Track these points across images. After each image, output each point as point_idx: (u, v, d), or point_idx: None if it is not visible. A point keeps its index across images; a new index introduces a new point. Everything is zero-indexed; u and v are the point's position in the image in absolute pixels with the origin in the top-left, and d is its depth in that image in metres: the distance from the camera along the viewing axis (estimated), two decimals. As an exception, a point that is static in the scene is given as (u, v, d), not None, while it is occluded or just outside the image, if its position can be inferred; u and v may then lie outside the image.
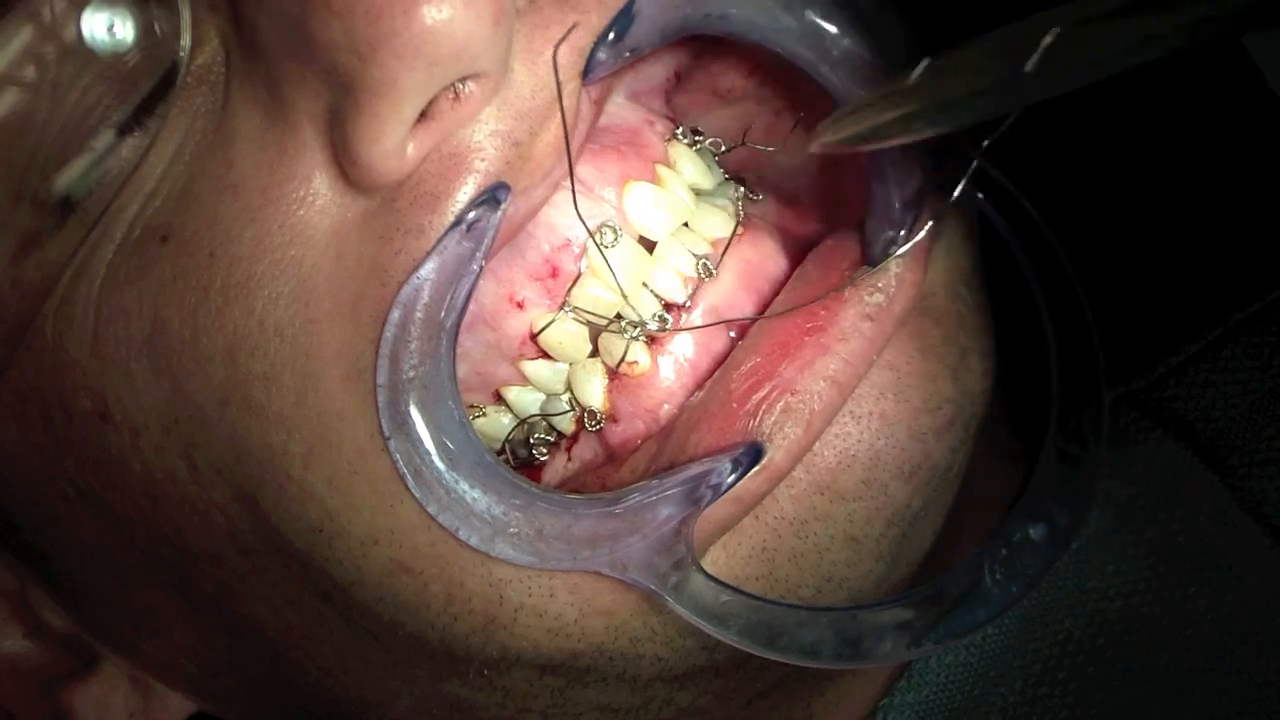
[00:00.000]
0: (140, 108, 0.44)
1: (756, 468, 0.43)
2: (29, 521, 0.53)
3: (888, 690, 0.54)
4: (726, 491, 0.42)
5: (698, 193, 0.51)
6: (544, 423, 0.50)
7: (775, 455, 0.43)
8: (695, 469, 0.42)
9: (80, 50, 0.44)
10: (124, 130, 0.44)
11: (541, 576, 0.43)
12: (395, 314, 0.41)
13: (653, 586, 0.42)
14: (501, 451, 0.50)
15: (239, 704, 0.57)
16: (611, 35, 0.43)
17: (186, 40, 0.43)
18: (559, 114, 0.43)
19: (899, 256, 0.45)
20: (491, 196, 0.41)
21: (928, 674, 0.54)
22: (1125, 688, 0.52)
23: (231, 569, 0.47)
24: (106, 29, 0.45)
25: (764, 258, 0.50)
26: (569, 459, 0.50)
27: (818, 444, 0.44)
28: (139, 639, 0.56)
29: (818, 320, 0.44)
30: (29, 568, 0.57)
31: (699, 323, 0.49)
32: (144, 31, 0.44)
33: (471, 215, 0.41)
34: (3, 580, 0.57)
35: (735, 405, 0.43)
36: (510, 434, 0.50)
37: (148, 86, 0.44)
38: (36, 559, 0.55)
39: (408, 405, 0.41)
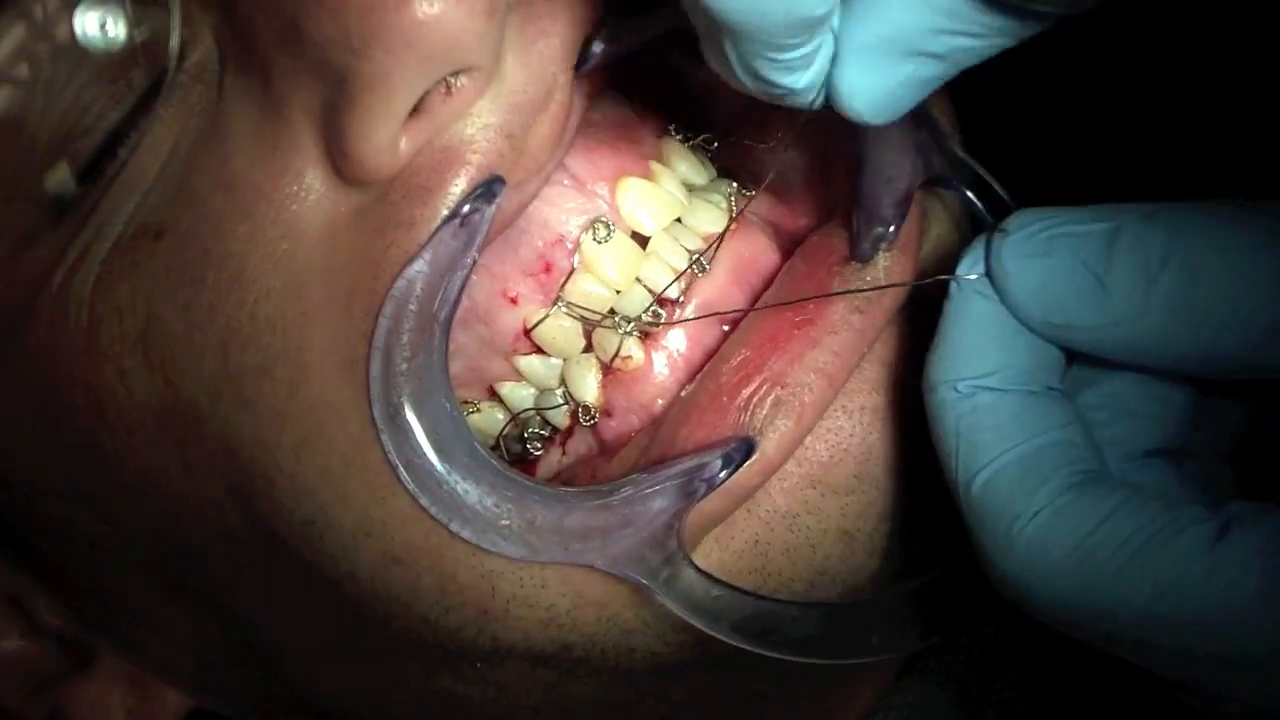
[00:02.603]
0: (134, 106, 0.44)
1: (749, 462, 0.43)
2: (25, 518, 0.53)
3: (884, 691, 0.55)
4: (720, 485, 0.42)
5: (690, 188, 0.51)
6: (538, 418, 0.50)
7: (767, 448, 0.43)
8: (687, 463, 0.42)
9: (73, 49, 0.44)
10: (118, 129, 0.44)
11: (534, 569, 0.43)
12: (388, 307, 0.41)
13: (643, 581, 0.42)
14: (495, 447, 0.50)
15: (236, 699, 0.57)
16: (603, 29, 0.43)
17: (177, 40, 0.44)
18: (552, 107, 0.43)
19: (887, 250, 0.45)
20: (486, 189, 0.41)
21: (928, 673, 0.54)
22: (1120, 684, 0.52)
23: (225, 564, 0.47)
24: (99, 27, 0.45)
25: (756, 253, 0.50)
26: (563, 453, 0.50)
27: (809, 438, 0.44)
28: (136, 635, 0.56)
29: (806, 314, 0.44)
30: (25, 566, 0.57)
31: (691, 318, 0.49)
32: (136, 30, 0.44)
33: (465, 208, 0.41)
34: None
35: (725, 399, 0.43)
36: (504, 429, 0.50)
37: (141, 85, 0.44)
38: (33, 556, 0.56)
39: (400, 398, 0.41)
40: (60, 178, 0.45)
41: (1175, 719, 0.39)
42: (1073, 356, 0.41)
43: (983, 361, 0.39)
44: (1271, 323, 0.36)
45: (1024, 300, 0.39)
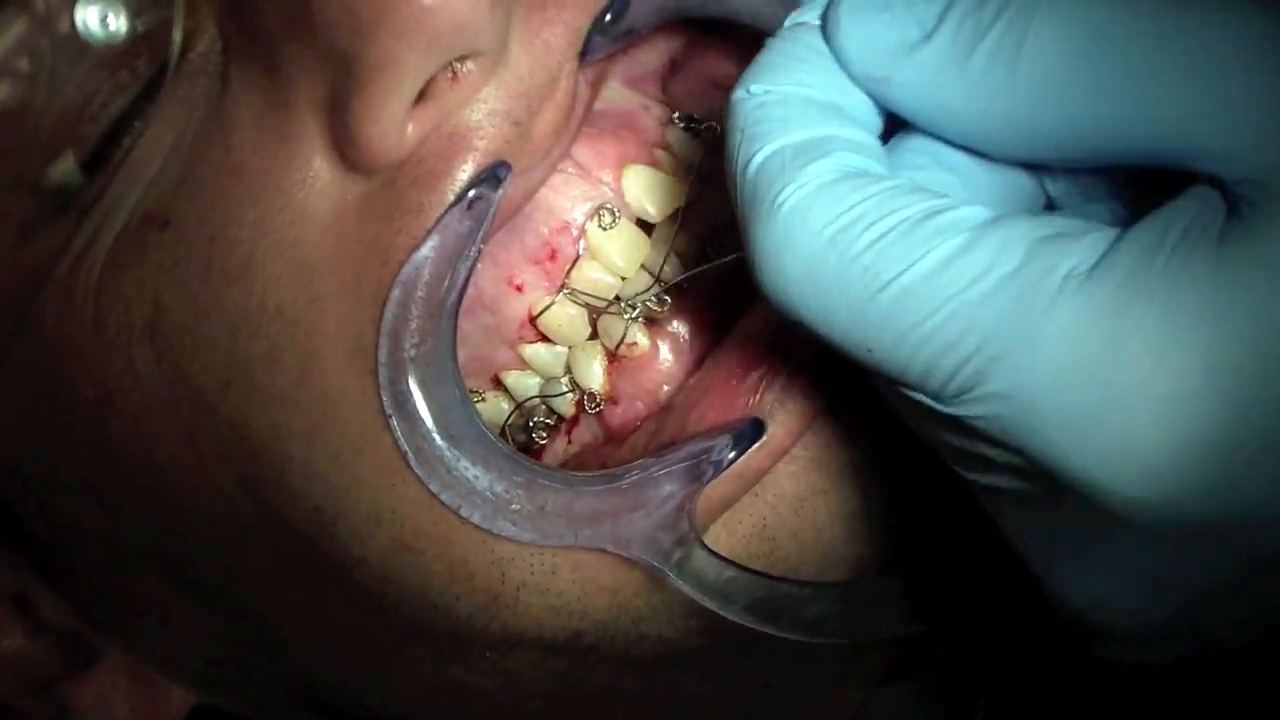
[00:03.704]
0: (138, 96, 0.44)
1: (757, 444, 0.43)
2: (31, 513, 0.53)
3: (881, 681, 0.55)
4: (728, 467, 0.42)
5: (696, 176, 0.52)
6: (543, 406, 0.50)
7: (776, 431, 0.43)
8: (696, 445, 0.42)
9: (74, 41, 0.44)
10: (121, 120, 0.44)
11: (544, 554, 0.43)
12: (396, 293, 0.41)
13: (655, 563, 0.42)
14: (501, 435, 0.50)
15: (242, 693, 0.57)
16: (608, 16, 0.43)
17: (179, 31, 0.44)
18: (558, 95, 0.43)
19: None
20: (492, 175, 0.41)
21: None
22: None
23: (234, 555, 0.47)
24: (100, 20, 0.45)
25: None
26: (569, 442, 0.50)
27: (817, 421, 0.44)
28: (140, 631, 0.56)
29: None
30: (30, 563, 0.57)
31: (696, 305, 0.49)
32: (138, 20, 0.44)
33: (472, 193, 0.41)
34: (2, 578, 0.57)
35: (735, 382, 0.44)
36: (509, 419, 0.50)
37: (145, 75, 0.44)
38: (38, 553, 0.55)
39: (409, 384, 0.41)
40: (64, 168, 0.45)
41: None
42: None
43: (785, 75, 0.37)
44: (1096, 109, 0.33)
45: (848, 47, 0.36)
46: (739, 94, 0.37)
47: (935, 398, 0.33)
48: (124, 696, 0.58)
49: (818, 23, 0.38)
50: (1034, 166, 0.37)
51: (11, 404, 0.48)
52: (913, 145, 0.38)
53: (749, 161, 0.36)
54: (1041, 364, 0.31)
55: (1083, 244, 0.32)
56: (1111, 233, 0.32)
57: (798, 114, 0.36)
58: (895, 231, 0.33)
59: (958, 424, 0.33)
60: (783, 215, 0.34)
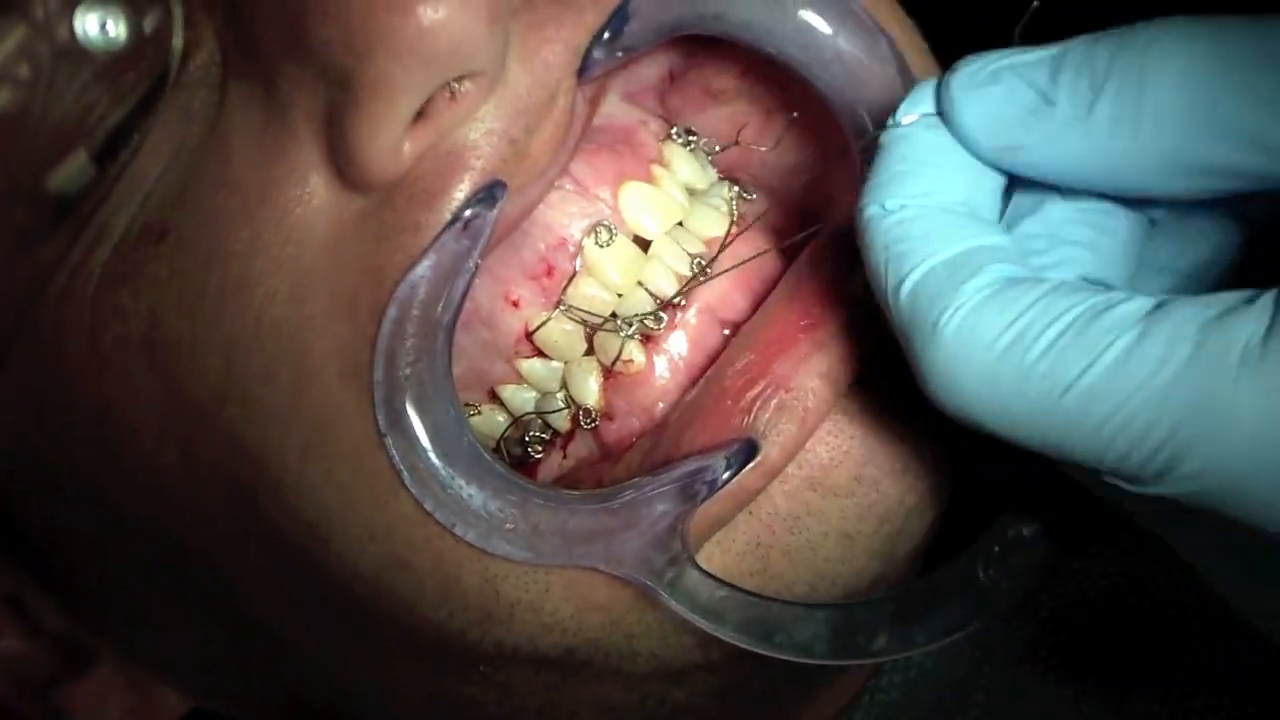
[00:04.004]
0: (136, 108, 0.44)
1: (751, 464, 0.43)
2: (27, 519, 0.53)
3: (874, 674, 0.55)
4: (722, 488, 0.42)
5: (692, 192, 0.52)
6: (539, 420, 0.50)
7: (770, 452, 0.43)
8: (690, 465, 0.42)
9: (74, 49, 0.44)
10: (120, 130, 0.44)
11: (537, 572, 0.43)
12: (392, 311, 0.41)
13: (648, 582, 0.42)
14: (496, 449, 0.51)
15: (236, 700, 0.58)
16: (607, 34, 0.43)
17: (179, 40, 0.44)
18: (555, 112, 0.43)
19: None
20: (489, 194, 0.41)
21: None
22: (1105, 664, 0.53)
23: (228, 566, 0.47)
24: (99, 27, 0.45)
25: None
26: (564, 456, 0.51)
27: (810, 440, 0.44)
28: (135, 636, 0.56)
29: (812, 318, 0.44)
30: (26, 566, 0.57)
31: (694, 322, 0.49)
32: (137, 30, 0.44)
33: (468, 213, 0.41)
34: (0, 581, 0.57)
35: (730, 402, 0.44)
36: (505, 432, 0.50)
37: (144, 87, 0.44)
38: (34, 557, 0.56)
39: (404, 402, 0.41)
40: (62, 177, 0.45)
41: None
42: (1015, 188, 0.40)
43: (914, 184, 0.38)
44: (1220, 137, 0.35)
45: (971, 125, 0.38)
46: (873, 210, 0.38)
47: (1132, 481, 0.34)
48: (120, 700, 0.58)
49: (927, 113, 0.39)
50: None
51: (8, 411, 0.49)
52: (1027, 230, 0.40)
53: (900, 284, 0.37)
54: (1237, 439, 0.32)
55: (1249, 316, 0.32)
56: (1270, 297, 0.33)
57: (938, 229, 0.37)
58: (1066, 336, 0.34)
59: (1158, 499, 0.34)
60: (949, 337, 0.35)
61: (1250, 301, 0.33)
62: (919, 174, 0.38)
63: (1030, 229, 0.40)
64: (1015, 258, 0.38)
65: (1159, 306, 0.34)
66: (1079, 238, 0.39)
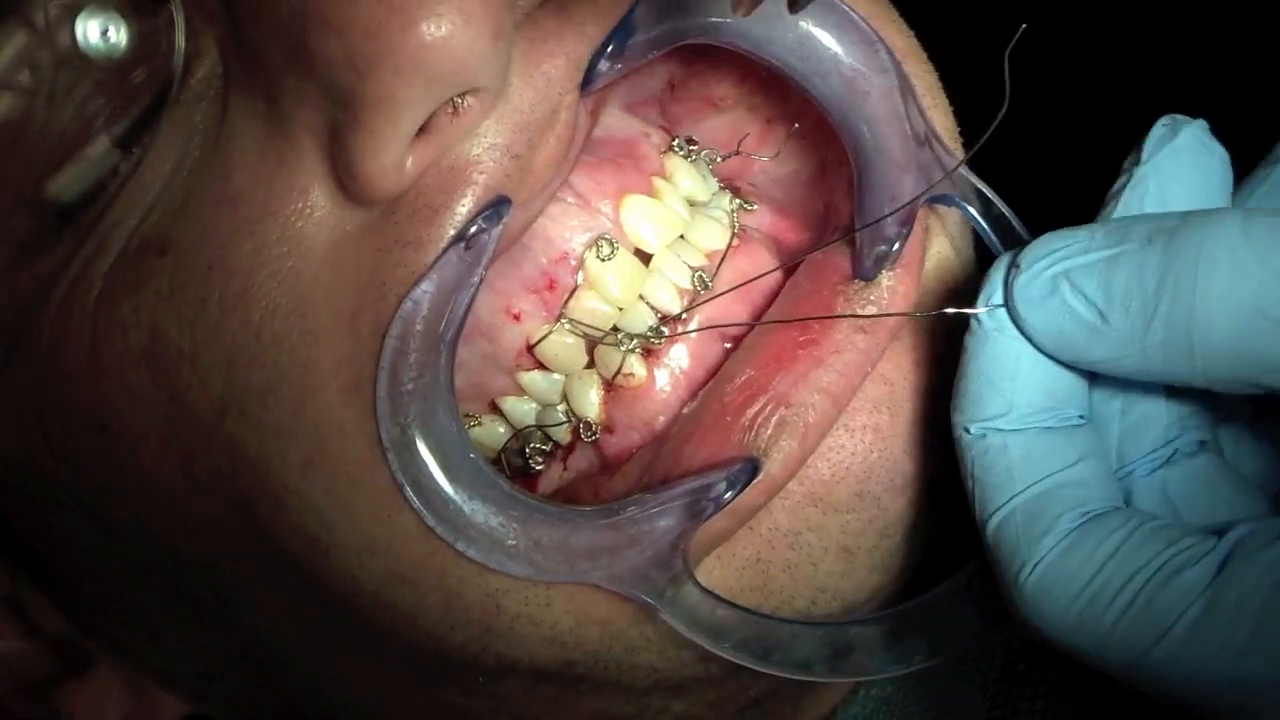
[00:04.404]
0: (138, 119, 0.44)
1: (754, 482, 0.43)
2: (26, 526, 0.53)
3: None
4: (725, 506, 0.42)
5: (693, 204, 0.52)
6: (540, 433, 0.50)
7: (772, 469, 0.43)
8: (694, 482, 0.42)
9: (75, 56, 0.44)
10: (121, 141, 0.44)
11: (538, 586, 0.43)
12: (395, 328, 0.41)
13: (649, 600, 0.42)
14: (496, 461, 0.51)
15: (235, 707, 0.58)
16: (609, 48, 0.43)
17: (181, 44, 0.43)
18: (558, 127, 0.43)
19: (890, 269, 0.46)
20: (494, 211, 0.41)
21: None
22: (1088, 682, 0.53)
23: (228, 577, 0.48)
24: (100, 34, 0.45)
25: (758, 269, 0.50)
26: (565, 469, 0.51)
27: (811, 456, 0.44)
28: (133, 642, 0.56)
29: (811, 333, 0.44)
30: (25, 571, 0.57)
31: (694, 336, 0.49)
32: (139, 38, 0.44)
33: (472, 229, 0.41)
34: None
35: (730, 418, 0.44)
36: (506, 444, 0.50)
37: (146, 98, 0.44)
38: (33, 563, 0.56)
39: (406, 418, 0.41)
40: (63, 187, 0.45)
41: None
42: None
43: (994, 402, 0.40)
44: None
45: (1039, 335, 0.40)
46: (960, 434, 0.41)
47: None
48: (118, 702, 0.58)
49: (998, 313, 0.40)
50: None
51: (8, 420, 0.48)
52: (1115, 407, 0.42)
53: (986, 522, 0.40)
54: None
55: None
56: None
57: (1020, 463, 0.40)
58: (1137, 606, 0.36)
59: None
60: (1029, 592, 0.38)
61: None
62: (997, 390, 0.40)
63: (1117, 406, 0.42)
64: (1094, 484, 0.40)
65: (1224, 574, 0.35)
66: (1157, 414, 0.42)
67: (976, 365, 0.41)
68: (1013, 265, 0.40)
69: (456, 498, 0.42)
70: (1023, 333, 0.40)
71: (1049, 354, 0.40)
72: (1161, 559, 0.36)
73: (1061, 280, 0.39)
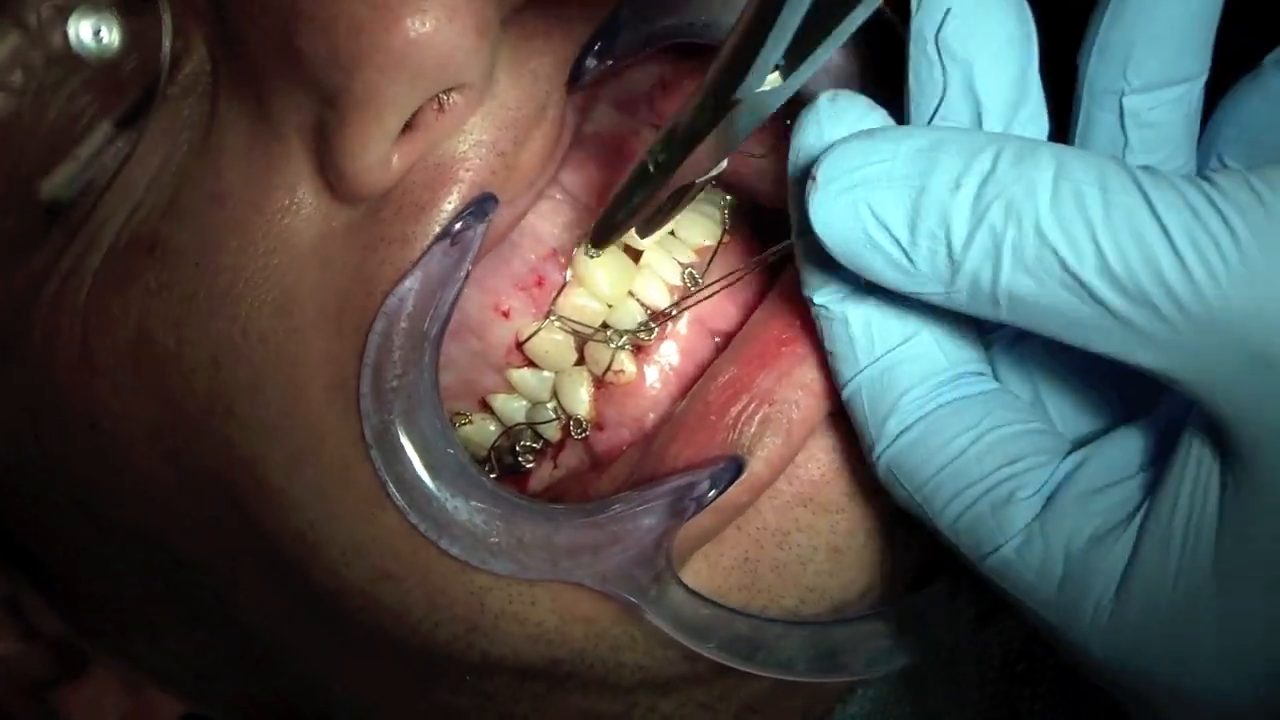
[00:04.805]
0: (126, 116, 0.44)
1: (738, 480, 0.43)
2: (21, 526, 0.53)
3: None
4: (708, 504, 0.42)
5: (683, 201, 0.51)
6: (530, 430, 0.50)
7: (755, 467, 0.43)
8: (677, 481, 0.42)
9: (67, 56, 0.44)
10: (110, 138, 0.44)
11: (523, 584, 0.43)
12: (379, 324, 0.41)
13: (632, 599, 0.42)
14: (487, 459, 0.51)
15: (232, 706, 0.58)
16: (597, 45, 0.43)
17: (167, 41, 0.43)
18: (545, 124, 0.43)
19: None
20: (479, 207, 0.41)
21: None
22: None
23: (221, 576, 0.48)
24: (93, 34, 0.45)
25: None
26: (555, 466, 0.51)
27: (800, 455, 0.44)
28: (130, 642, 0.56)
29: (794, 330, 0.44)
30: (21, 572, 0.57)
31: (684, 332, 0.49)
32: (130, 38, 0.44)
33: (457, 226, 0.41)
34: None
35: (714, 417, 0.43)
36: (496, 441, 0.50)
37: (134, 95, 0.44)
38: (29, 563, 0.56)
39: (391, 415, 0.41)
40: (53, 184, 0.45)
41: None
42: None
43: (827, 273, 0.40)
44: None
45: (843, 261, 0.36)
46: (810, 305, 0.41)
47: None
48: (115, 703, 0.58)
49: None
50: None
51: (1, 419, 0.49)
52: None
53: (841, 392, 0.41)
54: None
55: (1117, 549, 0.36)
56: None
57: (860, 338, 0.40)
58: (967, 519, 0.38)
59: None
60: (882, 474, 0.40)
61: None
62: (828, 261, 0.37)
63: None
64: (943, 346, 0.40)
65: (1042, 511, 0.37)
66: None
67: (807, 241, 0.37)
68: (810, 177, 0.36)
69: (440, 495, 0.42)
70: (824, 244, 0.36)
71: (857, 273, 0.37)
72: (996, 477, 0.38)
73: (863, 206, 0.35)
